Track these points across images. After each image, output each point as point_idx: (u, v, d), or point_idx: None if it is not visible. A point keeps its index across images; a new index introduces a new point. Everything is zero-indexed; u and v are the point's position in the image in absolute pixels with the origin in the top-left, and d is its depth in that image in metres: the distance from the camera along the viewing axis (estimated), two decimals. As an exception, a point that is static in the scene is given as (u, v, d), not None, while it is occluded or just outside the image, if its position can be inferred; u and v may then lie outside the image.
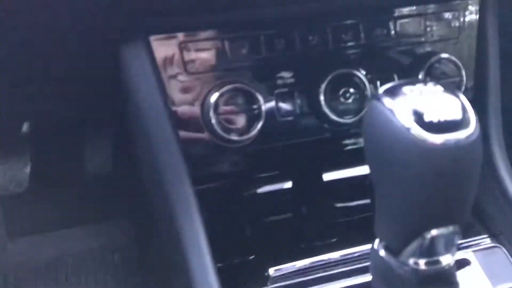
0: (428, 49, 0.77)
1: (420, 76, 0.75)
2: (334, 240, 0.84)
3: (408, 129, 0.45)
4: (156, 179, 0.68)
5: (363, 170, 0.77)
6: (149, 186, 0.74)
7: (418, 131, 0.45)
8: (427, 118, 0.45)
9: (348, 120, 0.73)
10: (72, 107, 0.92)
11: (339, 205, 0.84)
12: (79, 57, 0.71)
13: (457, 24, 0.78)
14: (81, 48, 0.69)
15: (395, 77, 0.77)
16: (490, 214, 0.78)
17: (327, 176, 0.79)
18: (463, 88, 0.77)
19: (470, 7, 0.79)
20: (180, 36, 0.68)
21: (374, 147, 0.50)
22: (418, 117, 0.45)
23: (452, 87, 0.48)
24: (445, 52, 0.76)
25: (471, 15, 0.79)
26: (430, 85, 0.48)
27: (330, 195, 0.82)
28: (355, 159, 0.76)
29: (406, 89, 0.48)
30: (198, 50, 0.69)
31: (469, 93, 0.79)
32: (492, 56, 0.79)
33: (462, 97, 0.47)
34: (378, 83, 0.76)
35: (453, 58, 0.75)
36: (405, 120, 0.46)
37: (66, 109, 0.92)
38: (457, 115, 0.45)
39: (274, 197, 0.79)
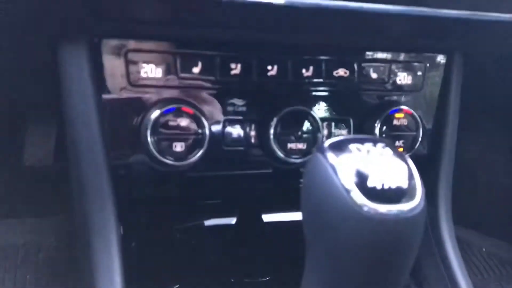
0: (389, 98, 0.74)
1: (376, 124, 0.72)
2: (266, 279, 0.80)
3: (348, 191, 0.41)
4: (79, 196, 0.62)
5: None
6: (73, 199, 0.67)
7: (358, 196, 0.41)
8: (370, 183, 0.41)
9: (295, 160, 0.68)
10: (11, 96, 0.85)
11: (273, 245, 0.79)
12: (18, 47, 0.64)
13: (421, 77, 0.76)
14: (20, 38, 0.62)
15: (351, 121, 0.73)
16: (428, 277, 0.75)
17: (267, 217, 0.75)
18: (418, 143, 0.74)
19: (437, 62, 0.77)
20: (129, 43, 0.62)
21: (310, 202, 0.46)
22: (361, 180, 0.41)
23: (402, 153, 0.44)
24: (405, 104, 0.73)
25: (437, 70, 0.77)
26: (380, 146, 0.44)
27: (267, 235, 0.77)
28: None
29: (353, 146, 0.44)
30: (145, 61, 0.63)
31: (423, 149, 0.76)
32: (452, 114, 0.78)
33: (411, 164, 0.43)
34: (333, 125, 0.72)
35: (413, 111, 0.73)
36: (346, 180, 0.42)
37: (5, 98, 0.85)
38: (403, 185, 0.41)
39: (207, 231, 0.73)
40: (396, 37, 0.72)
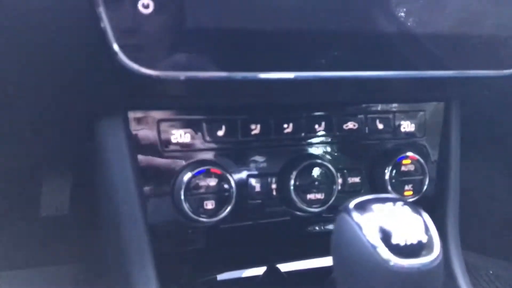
0: (395, 146, 0.81)
1: (386, 171, 0.78)
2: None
3: (374, 248, 0.47)
4: (118, 259, 0.67)
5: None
6: (109, 262, 0.73)
7: (384, 252, 0.47)
8: (394, 240, 0.47)
9: (315, 209, 0.74)
10: (32, 152, 0.90)
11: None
12: (53, 122, 0.71)
13: (423, 124, 0.83)
14: (55, 115, 0.68)
15: (362, 170, 0.79)
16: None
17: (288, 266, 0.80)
18: (425, 186, 0.80)
19: (436, 109, 0.84)
20: (159, 114, 0.69)
21: (341, 258, 0.52)
22: (386, 238, 0.47)
23: (418, 208, 0.50)
24: (410, 150, 0.80)
25: (437, 116, 0.84)
26: (399, 204, 0.50)
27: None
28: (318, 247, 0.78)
29: (375, 206, 0.50)
30: (175, 129, 0.70)
31: (430, 191, 0.82)
32: (454, 155, 0.84)
33: (428, 219, 0.50)
34: (346, 174, 0.79)
35: (418, 157, 0.79)
36: (372, 238, 0.48)
37: (28, 152, 0.90)
38: (423, 239, 0.47)
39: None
40: (398, 92, 0.79)
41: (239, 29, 0.56)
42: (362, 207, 0.50)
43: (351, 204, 0.51)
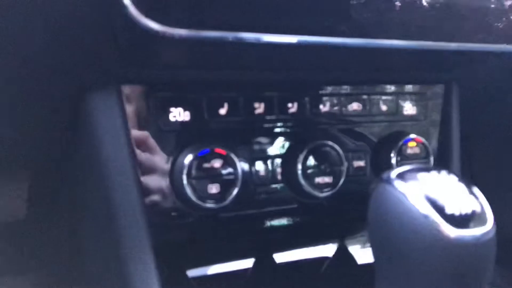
0: (399, 128, 0.78)
1: (392, 155, 0.74)
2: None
3: (427, 218, 0.43)
4: (115, 246, 0.59)
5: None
6: (105, 250, 0.64)
7: (440, 223, 0.42)
8: (449, 210, 0.42)
9: (325, 193, 0.69)
10: None
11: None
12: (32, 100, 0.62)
13: (425, 106, 0.80)
14: (41, 89, 0.60)
15: (368, 153, 0.76)
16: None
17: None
18: (430, 169, 0.77)
19: (436, 92, 0.82)
20: (156, 89, 0.62)
21: (383, 233, 0.47)
22: (439, 207, 0.43)
23: (465, 179, 0.46)
24: (413, 133, 0.77)
25: (437, 99, 0.82)
26: (444, 173, 0.46)
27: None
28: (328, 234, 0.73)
29: (420, 175, 0.45)
30: (173, 105, 0.63)
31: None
32: (455, 138, 0.82)
33: (476, 189, 0.46)
34: (351, 158, 0.75)
35: (423, 140, 0.76)
36: (423, 207, 0.43)
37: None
38: (477, 209, 0.43)
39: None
40: (399, 70, 0.76)
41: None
42: (404, 177, 0.46)
43: (393, 174, 0.46)
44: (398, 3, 0.58)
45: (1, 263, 1.10)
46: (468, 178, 1.18)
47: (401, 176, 0.46)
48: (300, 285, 0.82)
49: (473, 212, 0.43)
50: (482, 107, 0.89)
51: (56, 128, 0.69)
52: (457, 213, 0.42)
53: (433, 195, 0.43)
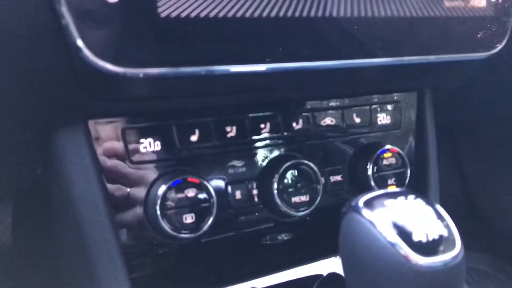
0: (374, 140, 0.78)
1: (368, 167, 0.75)
2: None
3: (393, 246, 0.43)
4: (90, 283, 0.59)
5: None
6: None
7: (406, 250, 0.42)
8: (416, 237, 0.42)
9: (302, 212, 0.69)
10: None
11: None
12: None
13: (399, 115, 0.80)
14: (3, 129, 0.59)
15: (344, 167, 0.76)
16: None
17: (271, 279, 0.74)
18: (407, 179, 0.78)
19: (410, 99, 0.82)
20: (124, 121, 0.61)
21: (353, 262, 0.47)
22: (405, 234, 0.43)
23: (431, 201, 0.46)
24: (389, 143, 0.77)
25: (411, 106, 0.82)
26: (411, 198, 0.46)
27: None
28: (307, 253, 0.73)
29: (387, 202, 0.45)
30: (143, 136, 0.62)
31: (412, 183, 0.79)
32: (431, 144, 0.82)
33: (443, 211, 0.46)
34: (328, 173, 0.75)
35: (398, 150, 0.76)
36: (390, 235, 0.43)
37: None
38: (444, 233, 0.43)
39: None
40: (372, 83, 0.76)
41: (214, 20, 0.50)
42: (371, 204, 0.46)
43: (360, 202, 0.46)
44: (361, 22, 0.58)
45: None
46: (457, 177, 1.19)
47: (368, 203, 0.46)
48: None
49: (441, 237, 0.43)
50: (463, 106, 0.90)
51: (30, 163, 0.69)
52: (424, 239, 0.42)
53: (401, 222, 0.43)
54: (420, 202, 0.45)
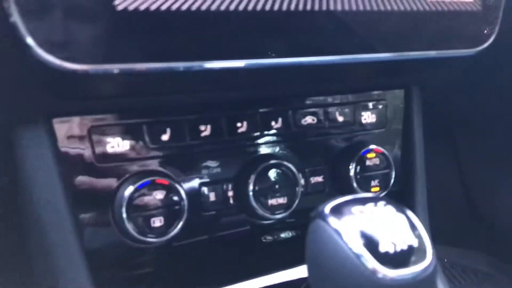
0: (357, 139, 0.75)
1: (350, 167, 0.72)
2: None
3: (358, 257, 0.40)
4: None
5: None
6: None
7: (370, 262, 0.39)
8: (382, 248, 0.39)
9: (279, 215, 0.66)
10: None
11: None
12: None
13: (384, 113, 0.77)
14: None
15: (325, 168, 0.73)
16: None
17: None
18: (392, 180, 0.75)
19: (396, 97, 0.79)
20: (90, 119, 0.58)
21: (317, 271, 0.44)
22: (371, 245, 0.40)
23: (402, 207, 0.43)
24: (373, 143, 0.74)
25: (397, 104, 0.79)
26: (381, 204, 0.43)
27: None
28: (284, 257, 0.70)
29: (355, 209, 0.42)
30: (110, 136, 0.60)
31: (397, 185, 0.76)
32: (418, 144, 0.79)
33: (415, 219, 0.43)
34: (308, 174, 0.72)
35: (383, 150, 0.73)
36: (355, 245, 0.40)
37: None
38: (414, 243, 0.40)
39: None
40: (356, 80, 0.73)
41: (179, 10, 0.47)
42: (339, 211, 0.43)
43: (326, 208, 0.43)
44: (345, 15, 0.55)
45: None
46: (454, 170, 1.16)
47: (335, 210, 0.43)
48: None
49: (410, 247, 0.40)
50: (459, 105, 0.87)
51: None
52: (391, 250, 0.39)
53: (368, 231, 0.41)
54: (390, 209, 0.43)
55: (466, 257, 1.24)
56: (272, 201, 0.66)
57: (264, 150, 0.69)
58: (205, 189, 0.65)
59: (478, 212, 1.18)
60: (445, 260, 1.22)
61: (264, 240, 0.72)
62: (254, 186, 0.65)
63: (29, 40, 0.42)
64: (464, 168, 1.18)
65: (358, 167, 0.72)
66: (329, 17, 0.54)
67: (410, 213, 0.43)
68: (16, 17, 0.42)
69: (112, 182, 0.59)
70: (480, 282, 1.19)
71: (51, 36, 0.43)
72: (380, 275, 0.39)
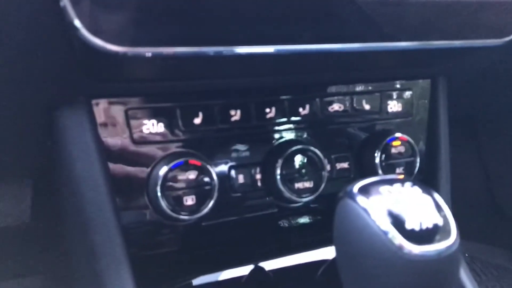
0: (383, 127, 0.76)
1: (376, 155, 0.73)
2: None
3: (385, 234, 0.42)
4: (90, 262, 0.60)
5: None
6: (79, 266, 0.65)
7: (398, 238, 0.41)
8: (408, 225, 0.41)
9: (305, 198, 0.69)
10: None
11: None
12: (7, 119, 0.63)
13: (410, 103, 0.78)
14: (10, 110, 0.60)
15: (350, 154, 0.74)
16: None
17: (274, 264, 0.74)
18: (416, 168, 0.76)
19: (423, 86, 0.80)
20: (128, 101, 0.61)
21: (346, 249, 0.46)
22: (398, 222, 0.42)
23: (429, 188, 0.45)
24: (399, 131, 0.75)
25: (424, 94, 0.80)
26: (408, 185, 0.45)
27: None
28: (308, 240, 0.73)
29: (383, 188, 0.44)
30: (146, 118, 0.62)
31: (421, 173, 0.78)
32: (443, 135, 0.80)
33: (441, 200, 0.44)
34: (333, 160, 0.73)
35: (408, 138, 0.75)
36: (382, 223, 0.42)
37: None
38: (439, 222, 0.42)
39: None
40: (383, 69, 0.74)
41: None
42: (367, 191, 0.45)
43: (355, 188, 0.45)
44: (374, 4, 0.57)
45: (6, 266, 1.12)
46: (477, 165, 1.17)
47: (363, 189, 0.45)
48: None
49: (435, 226, 0.42)
50: (484, 97, 0.87)
51: (41, 143, 0.70)
52: (417, 228, 0.41)
53: (395, 210, 0.42)
54: (417, 189, 0.44)
55: (487, 252, 1.25)
56: (298, 185, 0.68)
57: (291, 135, 0.71)
58: (234, 172, 0.67)
59: (500, 208, 1.18)
60: (466, 255, 1.23)
61: (287, 224, 0.74)
62: (281, 170, 0.67)
63: (77, 22, 0.45)
64: (487, 163, 1.18)
65: (384, 155, 0.73)
66: (358, 5, 0.55)
67: (435, 194, 0.45)
68: (66, 1, 0.44)
69: (147, 162, 0.62)
70: (501, 277, 1.19)
71: (96, 20, 0.46)
72: (406, 251, 0.40)
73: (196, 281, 0.81)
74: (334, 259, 0.82)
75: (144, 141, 0.62)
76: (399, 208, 0.42)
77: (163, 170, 0.61)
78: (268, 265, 0.82)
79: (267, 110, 0.69)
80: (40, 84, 0.56)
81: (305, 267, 0.81)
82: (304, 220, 0.75)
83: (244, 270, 0.83)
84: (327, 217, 0.76)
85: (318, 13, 0.54)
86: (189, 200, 0.62)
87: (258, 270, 0.80)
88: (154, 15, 0.48)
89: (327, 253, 0.87)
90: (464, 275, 0.77)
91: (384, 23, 0.58)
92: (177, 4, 0.48)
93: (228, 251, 0.72)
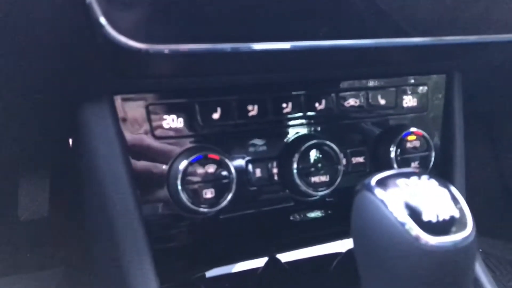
0: (398, 122, 0.77)
1: (391, 149, 0.74)
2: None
3: (403, 225, 0.43)
4: (113, 254, 0.61)
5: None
6: (102, 258, 0.67)
7: (415, 230, 0.42)
8: (426, 217, 0.42)
9: (321, 192, 0.70)
10: (11, 148, 0.84)
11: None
12: (29, 113, 0.65)
13: (426, 98, 0.79)
14: (32, 104, 0.62)
15: (366, 149, 0.75)
16: None
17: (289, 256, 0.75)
18: (431, 163, 0.77)
19: (438, 82, 0.80)
20: (148, 97, 0.63)
21: (364, 240, 0.47)
22: (416, 214, 0.43)
23: (445, 181, 0.46)
24: (414, 126, 0.76)
25: (439, 89, 0.80)
26: (424, 178, 0.46)
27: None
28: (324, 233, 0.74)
29: (400, 181, 0.45)
30: (166, 113, 0.64)
31: (437, 167, 0.78)
32: (458, 129, 0.81)
33: (457, 193, 0.45)
34: (349, 154, 0.74)
35: (423, 132, 0.75)
36: (400, 215, 0.43)
37: (3, 150, 0.83)
38: (455, 214, 0.43)
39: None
40: (399, 64, 0.75)
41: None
42: (384, 183, 0.46)
43: (373, 181, 0.46)
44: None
45: (26, 259, 1.15)
46: (491, 160, 1.17)
47: (381, 182, 0.46)
48: (310, 283, 0.82)
49: (452, 218, 0.43)
50: (499, 93, 0.87)
51: (61, 137, 0.72)
52: (434, 219, 0.42)
53: (412, 202, 0.43)
54: (433, 182, 0.45)
55: (502, 248, 1.25)
56: (315, 179, 0.69)
57: (307, 130, 0.72)
58: (251, 166, 0.69)
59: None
60: (480, 250, 1.23)
61: (303, 217, 0.75)
62: (298, 164, 0.68)
63: (102, 20, 0.46)
64: (501, 158, 1.18)
65: (399, 149, 0.74)
66: (373, 0, 0.56)
67: (452, 187, 0.46)
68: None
69: (167, 156, 0.64)
70: (509, 277, 1.19)
71: (120, 17, 0.48)
72: (422, 242, 0.42)
73: (209, 273, 0.83)
74: (347, 252, 0.84)
75: (164, 136, 0.64)
76: (416, 200, 0.43)
77: (183, 164, 0.63)
78: (284, 257, 0.84)
79: (284, 105, 0.70)
80: (65, 81, 0.58)
81: (319, 260, 0.82)
82: (319, 213, 0.76)
83: (259, 263, 0.85)
84: (342, 211, 0.77)
85: (334, 9, 0.55)
86: (208, 193, 0.63)
87: (274, 261, 0.81)
88: (174, 13, 0.49)
89: (342, 246, 0.88)
90: (480, 270, 0.78)
91: (399, 19, 0.59)
92: (196, 2, 0.49)
93: (244, 244, 0.73)
